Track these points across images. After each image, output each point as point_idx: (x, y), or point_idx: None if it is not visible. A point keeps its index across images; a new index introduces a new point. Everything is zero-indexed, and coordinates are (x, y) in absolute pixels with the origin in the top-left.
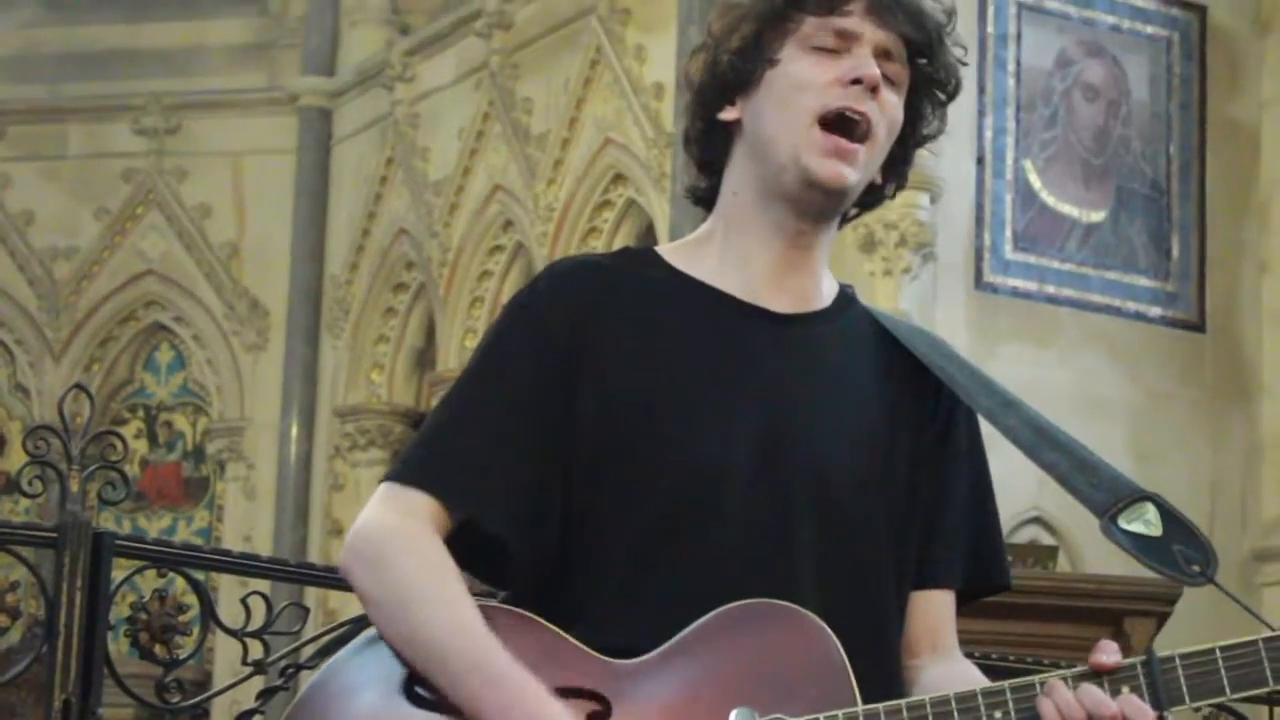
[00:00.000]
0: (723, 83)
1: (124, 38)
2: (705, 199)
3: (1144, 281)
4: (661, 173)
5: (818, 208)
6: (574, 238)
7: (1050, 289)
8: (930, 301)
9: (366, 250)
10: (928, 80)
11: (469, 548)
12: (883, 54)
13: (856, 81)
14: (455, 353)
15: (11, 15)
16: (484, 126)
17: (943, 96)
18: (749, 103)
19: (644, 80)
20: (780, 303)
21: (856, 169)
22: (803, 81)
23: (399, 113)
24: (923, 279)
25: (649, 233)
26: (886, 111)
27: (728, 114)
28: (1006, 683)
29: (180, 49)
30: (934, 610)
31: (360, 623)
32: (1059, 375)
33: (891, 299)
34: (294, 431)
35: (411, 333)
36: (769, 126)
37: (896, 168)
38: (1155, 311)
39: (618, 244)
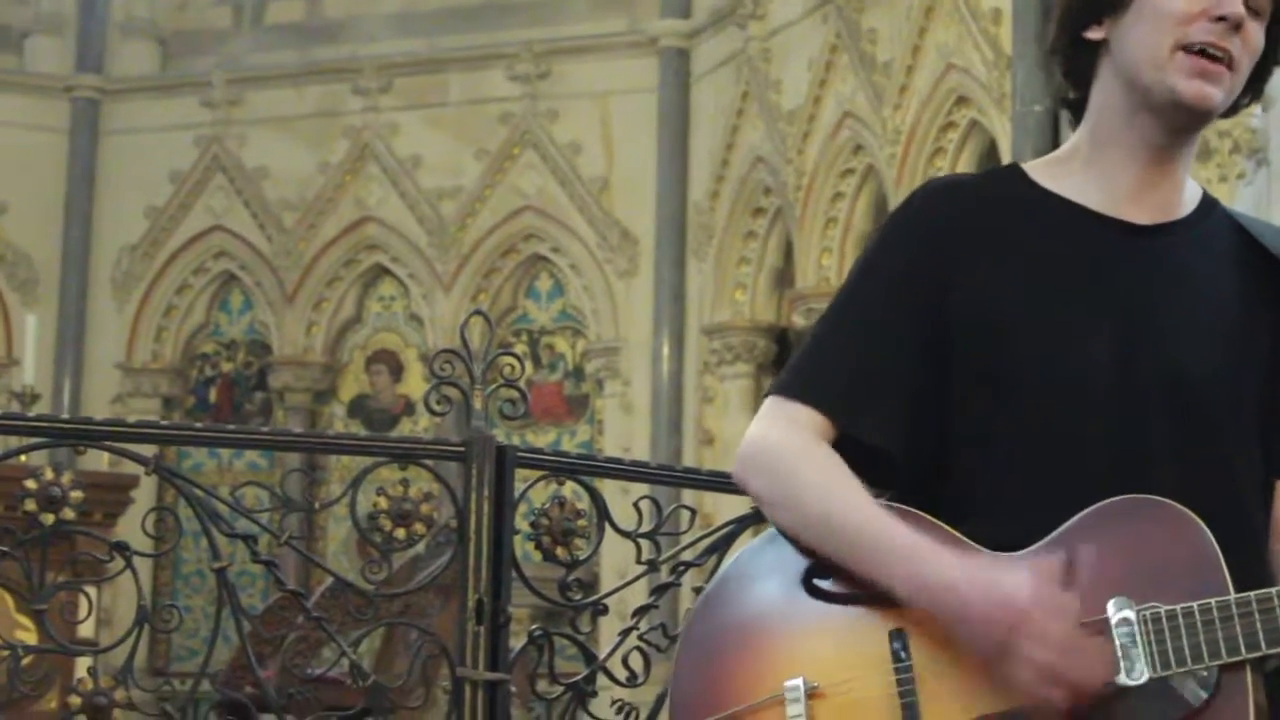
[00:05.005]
0: (1092, 2)
1: None
2: (1074, 107)
3: None
4: (1002, 94)
5: (1183, 124)
6: (920, 159)
7: None
8: (1265, 204)
9: (726, 179)
10: None
11: (852, 454)
12: None
13: (1221, 19)
14: (813, 271)
15: None
16: (832, 58)
17: None
18: (1116, 24)
19: (982, 7)
20: (1141, 215)
21: (1221, 89)
22: (1171, 12)
23: (752, 49)
24: (1257, 183)
25: (992, 151)
26: (1249, 42)
27: (1094, 33)
28: None
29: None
30: None
31: (742, 522)
32: None
33: (1227, 203)
34: (665, 350)
35: (771, 253)
36: (1135, 50)
37: (1255, 84)
38: None
39: (963, 162)
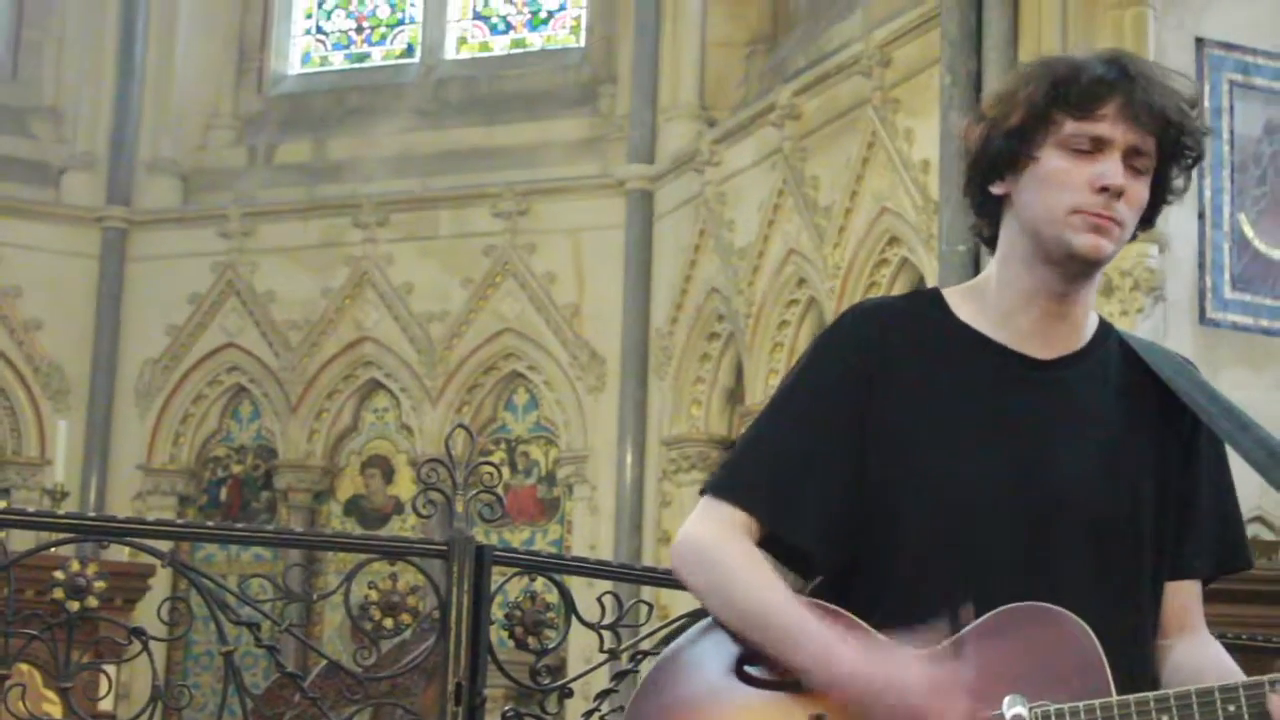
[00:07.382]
0: (993, 161)
1: (482, 138)
2: (990, 241)
3: None
4: (930, 234)
5: (1077, 272)
6: (857, 291)
7: (1264, 323)
8: (1161, 336)
9: (684, 307)
10: (1176, 153)
11: (775, 550)
12: (1132, 151)
13: (1104, 189)
14: (761, 389)
15: (391, 124)
16: (779, 201)
17: (1189, 163)
18: (1015, 183)
19: (913, 158)
20: (1042, 350)
21: (1111, 240)
22: (1059, 181)
23: (708, 192)
24: (1154, 317)
25: (920, 285)
26: (1132, 202)
27: (998, 188)
28: (1239, 681)
29: (528, 145)
30: (1183, 597)
31: (694, 616)
32: (1274, 396)
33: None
34: (629, 459)
35: (724, 374)
36: (1033, 209)
37: (1145, 218)
38: None
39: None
